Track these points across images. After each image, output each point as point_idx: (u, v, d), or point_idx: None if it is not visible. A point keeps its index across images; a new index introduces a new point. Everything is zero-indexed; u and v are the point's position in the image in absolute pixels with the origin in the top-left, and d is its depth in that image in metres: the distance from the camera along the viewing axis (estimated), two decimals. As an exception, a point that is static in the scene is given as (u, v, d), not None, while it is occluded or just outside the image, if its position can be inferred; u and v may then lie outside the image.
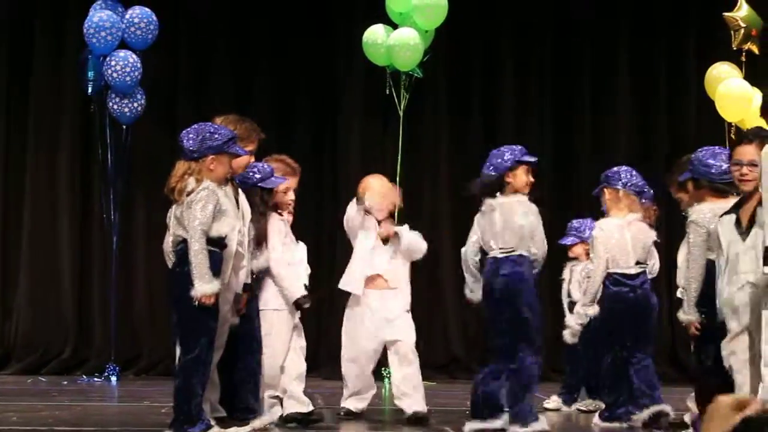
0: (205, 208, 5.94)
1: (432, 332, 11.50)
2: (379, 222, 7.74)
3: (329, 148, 12.26)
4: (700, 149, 6.71)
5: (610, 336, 7.39)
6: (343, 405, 7.76)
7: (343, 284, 7.79)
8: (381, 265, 7.64)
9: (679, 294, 6.87)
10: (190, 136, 6.15)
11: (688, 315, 6.37)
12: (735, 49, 10.86)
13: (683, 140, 11.75)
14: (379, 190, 7.77)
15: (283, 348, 6.96)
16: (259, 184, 6.74)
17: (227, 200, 6.10)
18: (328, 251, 11.47)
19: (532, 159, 7.01)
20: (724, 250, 5.84)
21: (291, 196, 7.11)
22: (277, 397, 6.97)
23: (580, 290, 8.18)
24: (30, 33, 12.08)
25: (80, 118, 11.86)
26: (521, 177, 6.90)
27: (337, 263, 11.16)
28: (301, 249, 7.51)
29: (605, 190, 7.63)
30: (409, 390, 7.48)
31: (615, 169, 7.72)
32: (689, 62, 12.43)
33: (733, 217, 5.88)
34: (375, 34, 10.60)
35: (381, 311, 7.59)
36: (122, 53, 10.60)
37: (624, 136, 12.47)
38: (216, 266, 5.97)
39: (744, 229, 5.79)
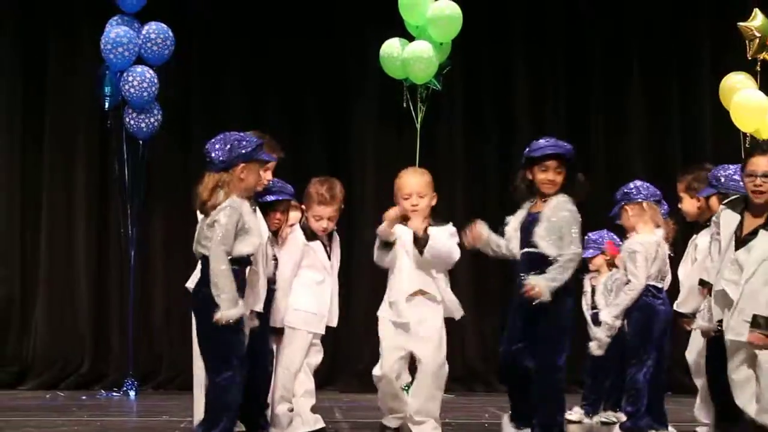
0: (227, 228, 5.75)
1: (449, 344, 11.47)
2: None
3: (343, 162, 12.25)
4: (721, 166, 6.76)
5: (642, 347, 7.35)
6: None
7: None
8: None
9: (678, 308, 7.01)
10: (217, 146, 5.89)
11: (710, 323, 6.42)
12: (750, 58, 10.86)
13: (698, 151, 11.74)
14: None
15: (298, 362, 6.92)
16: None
17: (252, 217, 5.94)
18: (343, 263, 11.45)
19: (540, 154, 6.38)
20: (722, 245, 6.10)
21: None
22: (293, 409, 6.94)
23: (606, 302, 8.15)
24: (44, 49, 12.13)
25: (96, 134, 11.90)
26: (537, 175, 6.40)
27: (352, 276, 11.19)
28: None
29: (626, 207, 7.61)
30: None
31: (630, 184, 7.70)
32: (704, 72, 12.42)
33: (737, 219, 6.11)
34: (391, 47, 10.65)
35: None
36: (139, 69, 10.65)
37: (638, 149, 12.46)
38: (242, 286, 5.89)
39: (741, 238, 6.05)
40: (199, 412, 6.20)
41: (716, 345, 6.30)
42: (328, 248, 7.04)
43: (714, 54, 12.37)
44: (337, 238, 7.13)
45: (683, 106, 12.57)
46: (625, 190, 7.67)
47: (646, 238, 7.41)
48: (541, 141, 6.40)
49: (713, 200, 6.71)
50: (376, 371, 6.83)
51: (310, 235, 6.93)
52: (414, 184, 6.79)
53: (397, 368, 6.73)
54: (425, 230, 6.68)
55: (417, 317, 6.73)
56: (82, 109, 11.96)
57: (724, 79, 10.92)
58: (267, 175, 6.44)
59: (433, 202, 6.85)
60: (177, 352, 11.44)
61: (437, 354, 6.72)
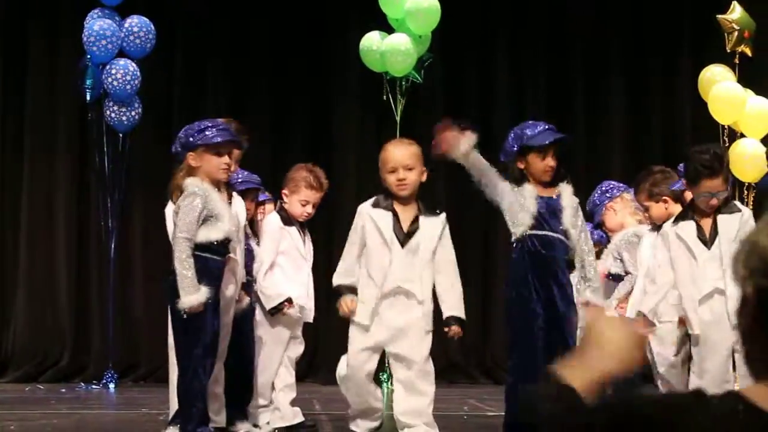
0: (189, 214, 5.76)
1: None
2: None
3: (324, 155, 12.23)
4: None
5: None
6: None
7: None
8: None
9: None
10: (179, 136, 6.08)
11: None
12: (729, 51, 10.90)
13: (677, 143, 11.78)
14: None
15: (275, 357, 6.90)
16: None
17: (222, 204, 5.89)
18: (324, 257, 11.48)
19: (543, 142, 6.09)
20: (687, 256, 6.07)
21: None
22: (266, 406, 6.92)
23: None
24: (23, 42, 12.09)
25: (76, 128, 11.88)
26: (535, 163, 6.09)
27: (331, 269, 11.14)
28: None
29: (610, 205, 7.63)
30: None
31: (603, 185, 7.76)
32: (683, 64, 12.45)
33: (692, 225, 6.09)
34: (370, 40, 10.67)
35: None
36: (122, 62, 10.63)
37: (618, 139, 12.50)
38: (215, 274, 5.91)
39: (708, 239, 6.05)
40: (173, 404, 6.22)
41: None
42: (302, 235, 7.03)
43: (694, 46, 12.40)
44: (308, 235, 7.13)
45: (663, 100, 12.60)
46: (602, 190, 7.70)
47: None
48: (536, 128, 6.14)
49: (685, 194, 6.70)
50: (341, 370, 6.38)
51: (286, 220, 6.93)
52: (399, 156, 6.11)
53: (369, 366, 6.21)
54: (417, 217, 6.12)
55: (396, 313, 6.10)
56: (61, 103, 11.93)
57: (703, 72, 10.96)
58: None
59: (423, 178, 6.21)
60: (157, 346, 11.37)
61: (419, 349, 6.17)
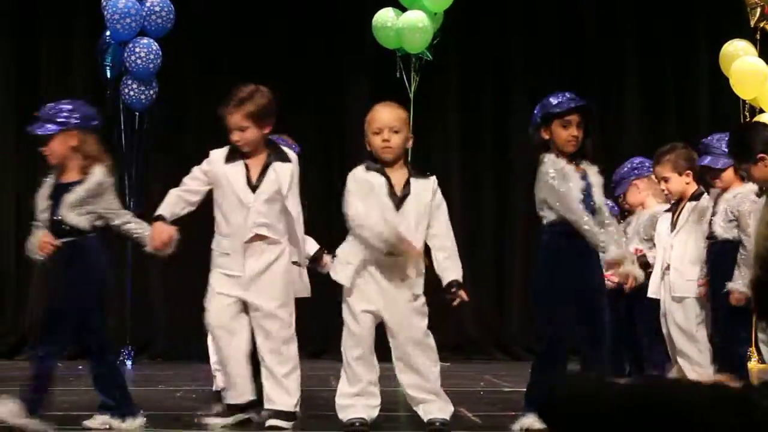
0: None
1: (444, 312, 11.52)
2: None
3: (336, 134, 12.25)
4: (714, 136, 6.80)
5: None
6: None
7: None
8: None
9: None
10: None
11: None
12: (752, 27, 10.85)
13: (694, 122, 11.76)
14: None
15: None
16: None
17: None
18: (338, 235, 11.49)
19: (565, 108, 5.96)
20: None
21: None
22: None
23: None
24: (38, 18, 12.11)
25: (93, 105, 11.87)
26: (558, 132, 5.97)
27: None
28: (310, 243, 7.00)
29: (636, 182, 7.61)
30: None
31: (635, 160, 7.73)
32: (700, 42, 12.41)
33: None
34: (385, 17, 10.66)
35: None
36: (145, 40, 10.68)
37: (633, 119, 12.48)
38: None
39: None
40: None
41: None
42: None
43: (710, 24, 12.35)
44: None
45: (678, 80, 12.55)
46: (632, 166, 7.68)
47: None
48: (559, 96, 6.01)
49: (729, 172, 6.69)
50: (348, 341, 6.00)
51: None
52: (387, 117, 5.95)
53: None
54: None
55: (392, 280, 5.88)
56: (77, 82, 11.96)
57: (725, 45, 10.90)
58: None
59: (409, 144, 6.04)
60: (173, 322, 11.48)
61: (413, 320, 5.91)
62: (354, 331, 5.93)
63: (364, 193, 5.91)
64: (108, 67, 10.78)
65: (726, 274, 6.46)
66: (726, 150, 6.58)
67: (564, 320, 5.80)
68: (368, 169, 5.96)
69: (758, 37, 10.88)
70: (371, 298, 5.88)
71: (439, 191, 6.00)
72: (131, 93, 10.77)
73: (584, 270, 5.88)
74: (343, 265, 5.96)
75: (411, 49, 10.56)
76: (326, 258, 6.91)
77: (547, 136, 5.97)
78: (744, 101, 10.84)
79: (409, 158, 6.27)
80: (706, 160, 6.77)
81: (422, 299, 5.94)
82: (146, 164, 11.30)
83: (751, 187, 6.44)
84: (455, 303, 5.87)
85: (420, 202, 5.92)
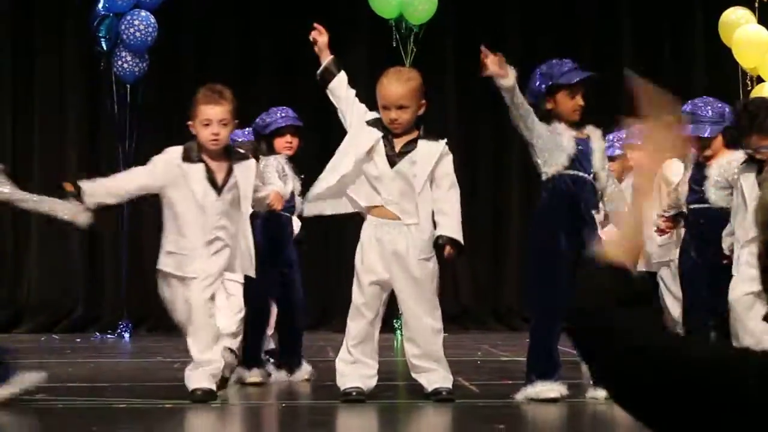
0: None
1: (442, 282, 11.52)
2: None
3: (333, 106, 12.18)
4: (696, 102, 6.66)
5: None
6: None
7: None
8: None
9: None
10: None
11: None
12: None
13: (693, 95, 11.71)
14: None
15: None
16: None
17: None
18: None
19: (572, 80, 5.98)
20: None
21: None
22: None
23: None
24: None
25: (84, 78, 11.86)
26: (564, 102, 5.99)
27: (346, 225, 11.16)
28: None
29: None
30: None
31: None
32: (697, 14, 12.35)
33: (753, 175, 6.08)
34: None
35: None
36: (143, 13, 10.61)
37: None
38: None
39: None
40: None
41: None
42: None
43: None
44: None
45: (676, 48, 12.51)
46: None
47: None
48: (563, 66, 6.01)
49: (718, 140, 6.57)
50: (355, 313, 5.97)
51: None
52: (394, 95, 5.89)
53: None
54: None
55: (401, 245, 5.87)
56: (69, 52, 11.92)
57: (725, 14, 10.74)
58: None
59: (421, 111, 5.96)
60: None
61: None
62: (358, 302, 5.94)
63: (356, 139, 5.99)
64: (103, 39, 10.70)
65: (718, 241, 6.40)
66: (710, 116, 6.48)
67: (561, 280, 5.73)
68: (372, 123, 5.97)
69: (757, 4, 10.76)
70: (377, 269, 5.87)
71: (447, 158, 5.97)
72: (124, 65, 10.71)
73: (581, 232, 5.86)
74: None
75: (414, 20, 10.52)
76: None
77: (550, 106, 5.95)
78: (744, 71, 10.77)
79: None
80: (694, 130, 6.62)
81: (431, 263, 5.92)
82: (139, 136, 11.23)
83: (741, 155, 6.37)
84: (446, 257, 5.87)
85: (424, 162, 5.89)
